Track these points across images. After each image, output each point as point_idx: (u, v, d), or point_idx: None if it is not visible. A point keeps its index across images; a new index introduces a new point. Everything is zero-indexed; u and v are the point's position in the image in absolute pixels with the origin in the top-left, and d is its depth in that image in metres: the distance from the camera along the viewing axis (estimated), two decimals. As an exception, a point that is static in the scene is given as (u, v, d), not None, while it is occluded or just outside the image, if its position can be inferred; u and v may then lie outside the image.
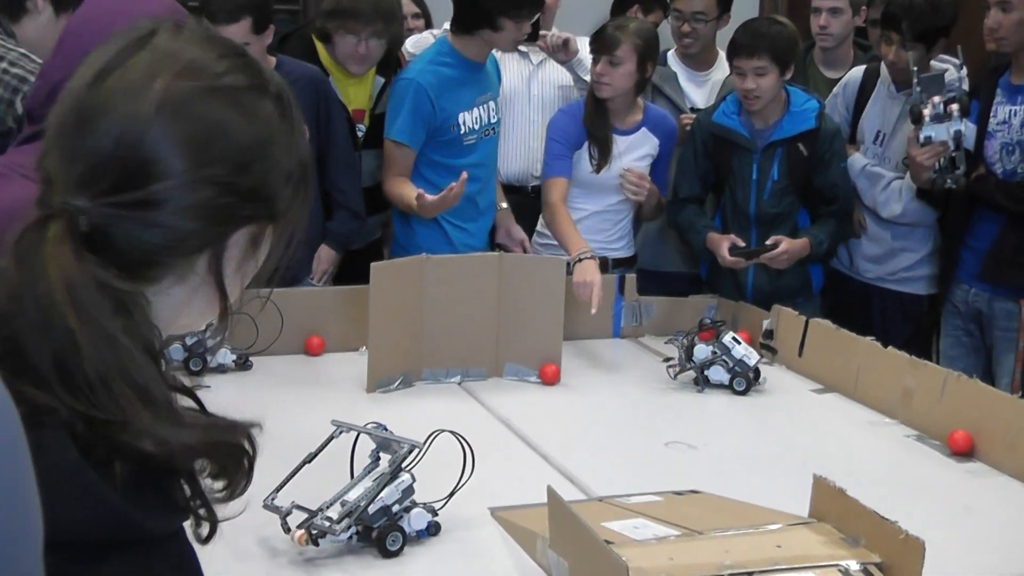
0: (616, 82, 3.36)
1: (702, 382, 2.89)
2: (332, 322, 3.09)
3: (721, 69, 3.85)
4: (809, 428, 2.72)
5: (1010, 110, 3.30)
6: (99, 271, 0.83)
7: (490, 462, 2.18)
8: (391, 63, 3.62)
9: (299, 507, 1.93)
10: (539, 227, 3.62)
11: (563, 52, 3.72)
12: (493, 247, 3.49)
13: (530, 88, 3.77)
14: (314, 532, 1.86)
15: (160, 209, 0.86)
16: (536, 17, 3.31)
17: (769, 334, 3.19)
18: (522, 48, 3.75)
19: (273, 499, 1.95)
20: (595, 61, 3.37)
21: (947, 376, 2.61)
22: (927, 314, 3.66)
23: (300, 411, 2.58)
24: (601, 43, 3.35)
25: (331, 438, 2.05)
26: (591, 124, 3.43)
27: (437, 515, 1.98)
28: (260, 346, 2.93)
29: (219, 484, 0.87)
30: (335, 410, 2.28)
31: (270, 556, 1.89)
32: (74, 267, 0.81)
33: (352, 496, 1.92)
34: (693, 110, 3.77)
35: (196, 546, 0.91)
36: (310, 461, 2.00)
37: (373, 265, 2.79)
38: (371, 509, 1.89)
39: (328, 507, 1.91)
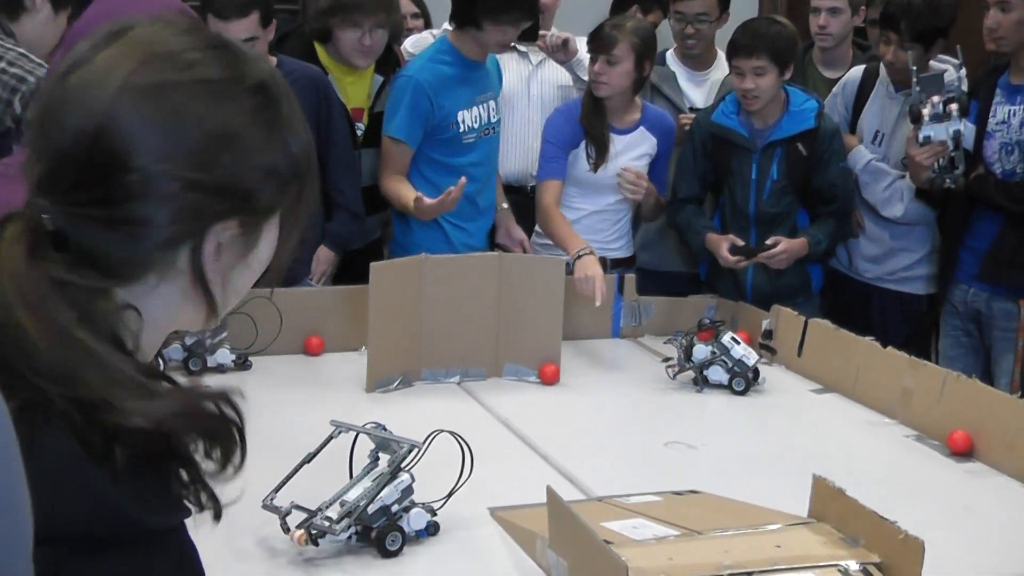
0: (614, 81, 3.36)
1: (701, 382, 2.89)
2: (331, 322, 3.09)
3: (720, 69, 3.84)
4: (808, 428, 2.72)
5: (1009, 110, 3.30)
6: (55, 269, 0.82)
7: (489, 462, 2.18)
8: (390, 61, 3.62)
9: (298, 507, 1.93)
10: (538, 227, 3.63)
11: (562, 52, 3.72)
12: (493, 247, 3.49)
13: (529, 88, 3.77)
14: (314, 532, 1.86)
15: (120, 206, 0.85)
16: (525, 26, 3.29)
17: (768, 334, 3.19)
18: (521, 48, 3.75)
19: (272, 499, 1.95)
20: (593, 60, 3.37)
21: (946, 376, 2.61)
22: (926, 314, 3.67)
23: (299, 411, 2.58)
24: (598, 42, 3.35)
25: (330, 438, 2.05)
26: (588, 123, 3.43)
27: (436, 515, 1.98)
28: (259, 346, 2.93)
29: (215, 458, 0.86)
30: (334, 410, 2.28)
31: (269, 556, 1.89)
32: (22, 266, 0.81)
33: (351, 496, 1.92)
34: (692, 110, 3.77)
35: (194, 541, 0.90)
36: (309, 461, 2.00)
37: (372, 265, 2.79)
38: (370, 509, 1.89)
39: (327, 507, 1.91)
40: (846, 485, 1.82)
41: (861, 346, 2.89)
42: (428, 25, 4.25)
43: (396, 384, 2.84)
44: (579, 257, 3.16)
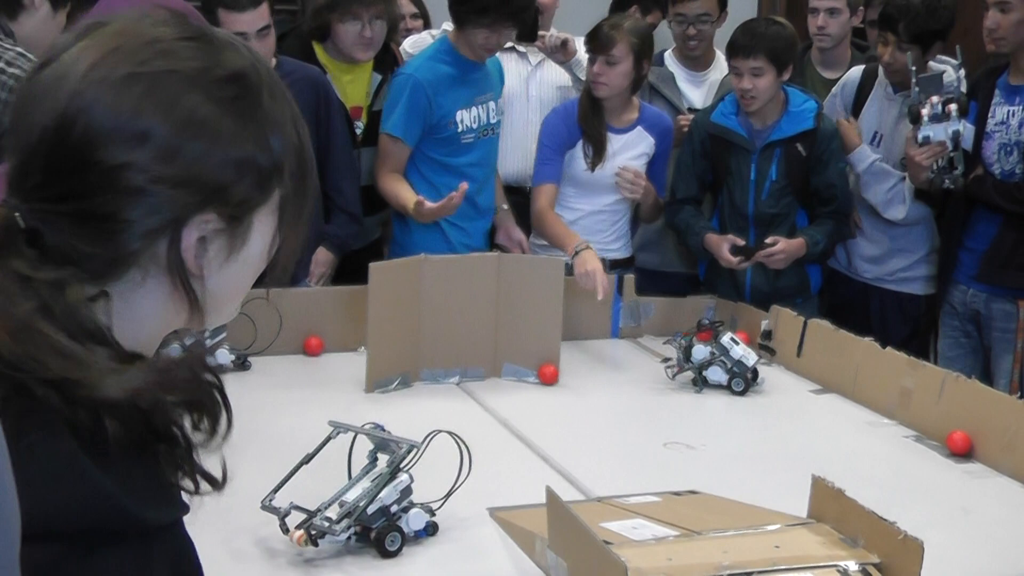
0: (613, 81, 3.36)
1: (700, 382, 2.89)
2: (331, 322, 3.09)
3: (719, 69, 3.85)
4: (808, 429, 2.72)
5: (1008, 111, 3.30)
6: (21, 265, 0.82)
7: (489, 462, 2.18)
8: (387, 60, 3.62)
9: (297, 508, 1.93)
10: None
11: (562, 52, 3.72)
12: (492, 248, 3.50)
13: (528, 88, 3.77)
14: (313, 533, 1.86)
15: (87, 201, 0.84)
16: (508, 32, 3.28)
17: (767, 334, 3.19)
18: (520, 48, 3.76)
19: (271, 500, 1.95)
20: (591, 61, 3.37)
21: (945, 377, 2.61)
22: (925, 315, 3.67)
23: (299, 411, 2.58)
24: (597, 42, 3.35)
25: (328, 439, 2.04)
26: (586, 123, 3.43)
27: (435, 515, 1.98)
28: (259, 346, 2.93)
29: (203, 428, 0.86)
30: (333, 410, 2.28)
31: (268, 557, 1.89)
32: None
33: (350, 496, 1.92)
34: (691, 110, 3.77)
35: (195, 544, 0.90)
36: (308, 462, 2.00)
37: (372, 265, 2.79)
38: (370, 510, 1.89)
39: (326, 508, 1.91)
40: (845, 485, 1.82)
41: (860, 346, 2.89)
42: (427, 25, 4.25)
43: (395, 384, 2.84)
44: (577, 253, 3.18)
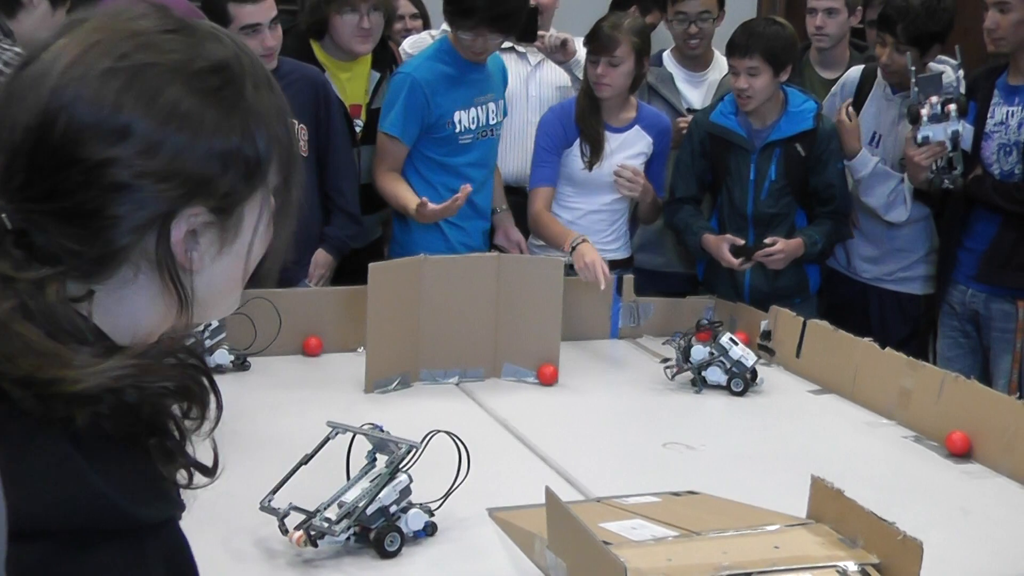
0: (616, 82, 3.37)
1: (700, 383, 2.89)
2: (330, 322, 3.09)
3: (717, 69, 3.85)
4: (807, 429, 2.72)
5: (1007, 111, 3.30)
6: (3, 265, 0.82)
7: (488, 463, 2.18)
8: (386, 58, 3.63)
9: (297, 508, 1.92)
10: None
11: (561, 53, 3.72)
12: (491, 248, 3.50)
13: (528, 89, 3.77)
14: (313, 533, 1.86)
15: (71, 199, 0.83)
16: (494, 39, 3.27)
17: (767, 335, 3.19)
18: (520, 49, 3.76)
19: (270, 501, 1.95)
20: (593, 62, 3.37)
21: (945, 377, 2.61)
22: (924, 315, 3.67)
23: (298, 412, 2.58)
24: (600, 44, 3.34)
25: (327, 439, 2.04)
26: (583, 122, 3.43)
27: (434, 515, 1.98)
28: (258, 347, 2.93)
29: (192, 415, 0.86)
30: (333, 411, 2.28)
31: (268, 557, 1.89)
32: None
33: (349, 497, 1.92)
34: (690, 111, 3.77)
35: (192, 544, 0.90)
36: (306, 463, 2.00)
37: (371, 265, 2.79)
38: (369, 510, 1.89)
39: (325, 508, 1.91)
40: (844, 486, 1.82)
41: (859, 347, 2.89)
42: (427, 25, 4.25)
43: (395, 384, 2.84)
44: (574, 248, 3.20)
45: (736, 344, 2.90)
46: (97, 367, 0.80)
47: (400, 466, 1.94)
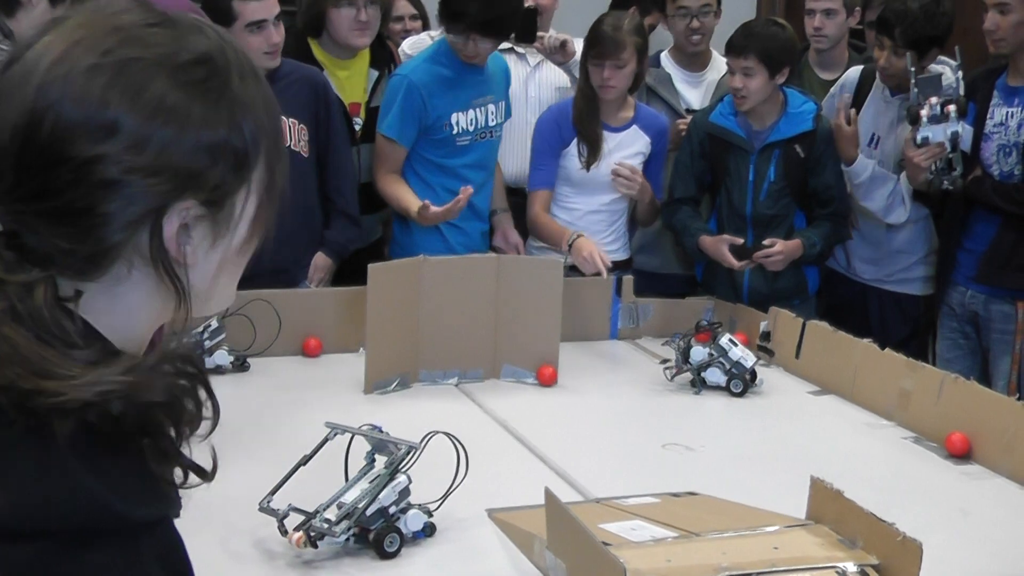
0: (621, 83, 3.39)
1: (699, 384, 2.89)
2: (330, 323, 3.09)
3: (716, 69, 3.85)
4: (806, 430, 2.72)
5: (1007, 112, 3.30)
6: None
7: (487, 464, 2.18)
8: (384, 56, 3.63)
9: (296, 509, 1.92)
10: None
11: (560, 54, 3.72)
12: (490, 249, 3.50)
13: (527, 90, 3.77)
14: (313, 534, 1.86)
15: (61, 198, 0.83)
16: (484, 44, 3.27)
17: (766, 336, 3.19)
18: (519, 50, 3.76)
19: (269, 502, 1.95)
20: (598, 66, 3.35)
21: (944, 378, 2.61)
22: (923, 316, 3.66)
23: (297, 412, 2.58)
24: (605, 48, 3.33)
25: (325, 440, 2.04)
26: (581, 123, 3.43)
27: (432, 516, 1.98)
28: (258, 347, 2.93)
29: (182, 427, 0.85)
30: (332, 411, 2.28)
31: (267, 559, 1.89)
32: None
33: (349, 498, 1.92)
34: (689, 111, 3.77)
35: (191, 546, 0.90)
36: (305, 464, 2.00)
37: (371, 266, 2.79)
38: (368, 511, 1.89)
39: (325, 509, 1.91)
40: (844, 487, 1.81)
41: (859, 348, 2.89)
42: (427, 26, 4.25)
43: (394, 385, 2.84)
44: (571, 245, 3.23)
45: (735, 345, 2.90)
46: (83, 379, 0.80)
47: (399, 467, 1.94)
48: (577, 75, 3.62)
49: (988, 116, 3.34)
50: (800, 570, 1.65)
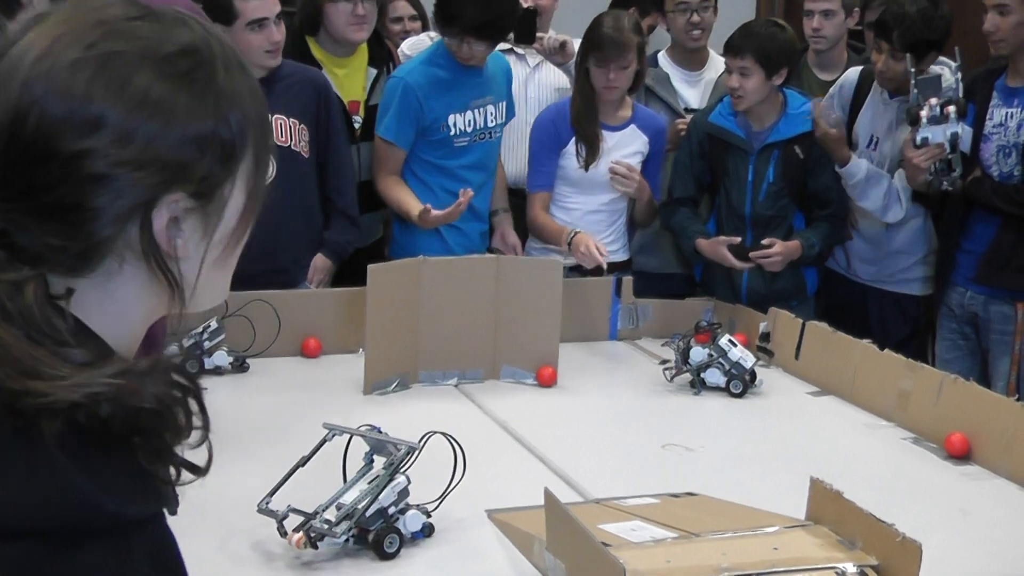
0: (624, 84, 3.41)
1: (698, 384, 2.89)
2: (329, 324, 3.09)
3: (713, 68, 3.85)
4: (806, 430, 2.72)
5: (1006, 112, 3.30)
6: None
7: (487, 464, 2.18)
8: (382, 55, 3.63)
9: (295, 510, 1.92)
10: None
11: (560, 54, 3.72)
12: (488, 250, 3.50)
13: (527, 91, 3.77)
14: (313, 535, 1.86)
15: (48, 195, 0.82)
16: (477, 46, 3.26)
17: (766, 336, 3.19)
18: (519, 51, 3.76)
19: (267, 503, 1.95)
20: (601, 67, 3.35)
21: (943, 379, 2.61)
22: (923, 315, 3.66)
23: (297, 413, 2.58)
24: (610, 51, 3.32)
25: (323, 442, 2.04)
26: (579, 124, 3.44)
27: (430, 516, 1.98)
28: (257, 348, 2.93)
29: (169, 436, 0.84)
30: (332, 412, 2.28)
31: (266, 560, 1.89)
32: None
33: (348, 499, 1.92)
34: (688, 110, 3.77)
35: (190, 547, 0.90)
36: (303, 465, 2.00)
37: (370, 267, 2.79)
38: (367, 512, 1.89)
39: (323, 510, 1.91)
40: (843, 487, 1.82)
41: (858, 349, 2.89)
42: (426, 27, 4.25)
43: (393, 386, 2.84)
44: (570, 243, 3.25)
45: (735, 346, 2.90)
46: (72, 380, 0.79)
47: (399, 467, 1.94)
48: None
49: (987, 117, 3.34)
50: (800, 571, 1.65)
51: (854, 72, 3.70)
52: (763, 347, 3.18)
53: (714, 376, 2.88)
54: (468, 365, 2.94)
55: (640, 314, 3.41)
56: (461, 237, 3.43)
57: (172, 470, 0.85)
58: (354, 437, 2.04)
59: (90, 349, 0.83)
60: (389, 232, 3.63)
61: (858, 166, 3.46)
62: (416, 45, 3.76)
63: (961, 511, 2.24)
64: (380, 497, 1.90)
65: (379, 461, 1.99)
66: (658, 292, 3.52)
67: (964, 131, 3.31)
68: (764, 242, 3.37)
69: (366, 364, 2.80)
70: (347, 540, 1.89)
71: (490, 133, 3.46)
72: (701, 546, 1.74)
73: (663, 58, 3.89)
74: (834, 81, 3.80)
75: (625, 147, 3.49)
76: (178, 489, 0.87)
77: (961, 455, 2.48)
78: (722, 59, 3.55)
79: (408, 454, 1.95)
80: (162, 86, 0.85)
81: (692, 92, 3.85)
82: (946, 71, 3.42)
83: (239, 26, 3.07)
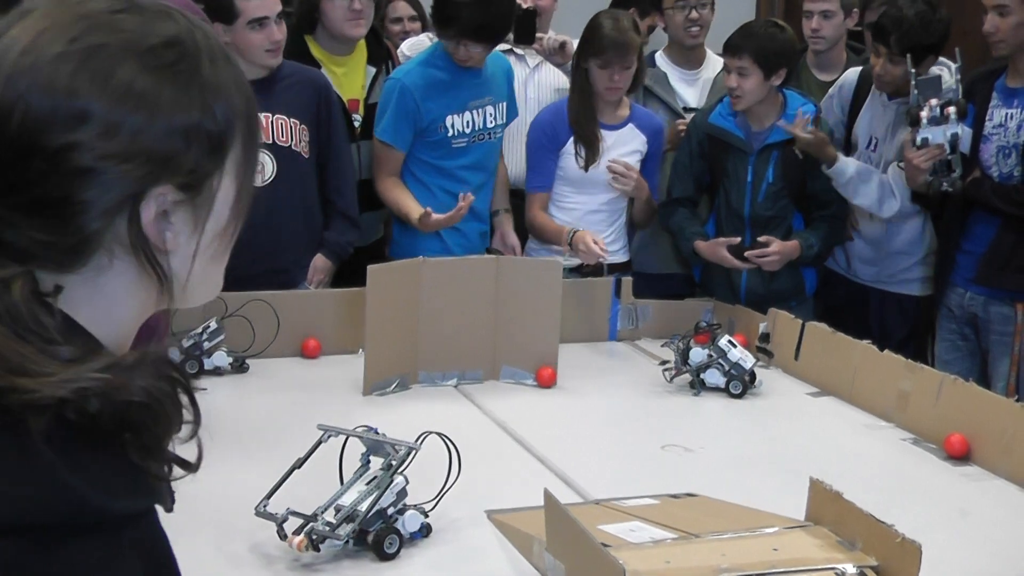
0: (626, 84, 3.41)
1: (698, 385, 2.89)
2: (329, 324, 3.09)
3: (711, 67, 3.86)
4: (805, 431, 2.72)
5: (1006, 113, 3.30)
6: None
7: (486, 465, 2.18)
8: (381, 54, 3.63)
9: (295, 513, 1.92)
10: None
11: (559, 55, 3.72)
12: (488, 251, 3.50)
13: (526, 91, 3.77)
14: (315, 537, 1.86)
15: (35, 190, 0.82)
16: (474, 48, 3.26)
17: (765, 337, 3.19)
18: (518, 51, 3.76)
19: (265, 506, 1.94)
20: (605, 69, 3.34)
21: (943, 379, 2.61)
22: (922, 316, 3.66)
23: (296, 414, 2.58)
24: (612, 54, 3.32)
25: (319, 443, 2.04)
26: (578, 124, 3.44)
27: (428, 516, 1.98)
28: (256, 349, 2.93)
29: (158, 431, 0.84)
30: (331, 413, 2.28)
31: (266, 563, 1.89)
32: None
33: (346, 500, 1.92)
34: (686, 109, 3.78)
35: (188, 547, 0.90)
36: (299, 467, 2.00)
37: (370, 268, 2.79)
38: (367, 513, 1.89)
39: (323, 512, 1.91)
40: (843, 488, 1.82)
41: (858, 349, 2.89)
42: (425, 28, 4.25)
43: (393, 387, 2.84)
44: (570, 242, 3.29)
45: (735, 346, 2.90)
46: (60, 376, 0.79)
47: (399, 468, 1.94)
48: (577, 76, 3.63)
49: (987, 118, 3.34)
50: (799, 571, 1.65)
51: (853, 73, 3.70)
52: (763, 348, 3.18)
53: (714, 377, 2.88)
54: (468, 366, 2.93)
55: (640, 315, 3.41)
56: (461, 238, 3.43)
57: (164, 466, 0.85)
58: (350, 438, 2.03)
59: (78, 346, 0.83)
60: (389, 232, 3.63)
61: (845, 164, 3.45)
62: (416, 46, 3.76)
63: (961, 512, 2.24)
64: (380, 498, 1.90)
65: (376, 462, 1.99)
66: (658, 293, 3.52)
67: (964, 132, 3.31)
68: (761, 239, 3.38)
69: (366, 365, 2.80)
70: (347, 541, 1.89)
71: (490, 134, 3.46)
72: (701, 547, 1.74)
73: (660, 57, 3.89)
74: (833, 82, 3.81)
75: (623, 146, 3.49)
76: (177, 489, 0.87)
77: (961, 456, 2.48)
78: (719, 58, 3.56)
79: (409, 454, 1.95)
80: (146, 78, 0.84)
81: (690, 91, 3.86)
82: (946, 72, 3.42)
83: (240, 25, 3.07)
